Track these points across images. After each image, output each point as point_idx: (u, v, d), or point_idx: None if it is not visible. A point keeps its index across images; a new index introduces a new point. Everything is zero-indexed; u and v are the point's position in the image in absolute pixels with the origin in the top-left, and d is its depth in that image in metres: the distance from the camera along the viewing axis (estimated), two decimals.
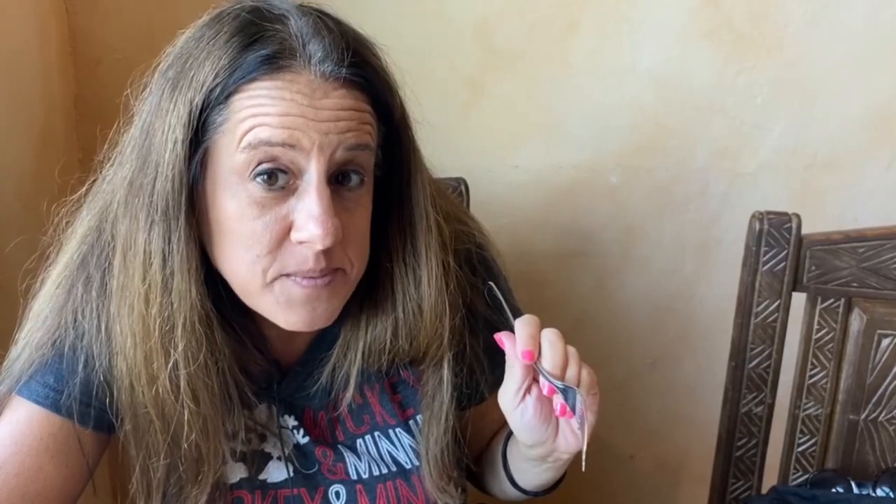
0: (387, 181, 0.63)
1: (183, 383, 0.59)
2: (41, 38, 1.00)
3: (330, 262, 0.58)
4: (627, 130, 1.15)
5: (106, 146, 0.65)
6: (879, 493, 0.88)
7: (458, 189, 0.96)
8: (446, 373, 0.67)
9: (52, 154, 1.02)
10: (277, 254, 0.58)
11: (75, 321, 0.63)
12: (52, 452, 0.62)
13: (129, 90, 0.63)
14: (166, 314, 0.58)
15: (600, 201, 1.17)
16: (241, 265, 0.59)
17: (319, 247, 0.56)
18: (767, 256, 0.90)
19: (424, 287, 0.64)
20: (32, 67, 0.98)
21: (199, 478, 0.63)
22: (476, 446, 0.76)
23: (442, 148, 0.97)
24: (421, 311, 0.64)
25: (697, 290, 1.21)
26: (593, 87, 1.13)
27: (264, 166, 0.56)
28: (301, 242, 0.57)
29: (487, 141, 1.14)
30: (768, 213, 0.91)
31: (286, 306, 0.59)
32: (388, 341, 0.65)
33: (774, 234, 0.90)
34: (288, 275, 0.58)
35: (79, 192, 0.67)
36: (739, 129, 1.15)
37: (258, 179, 0.56)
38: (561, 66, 1.12)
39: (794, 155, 1.17)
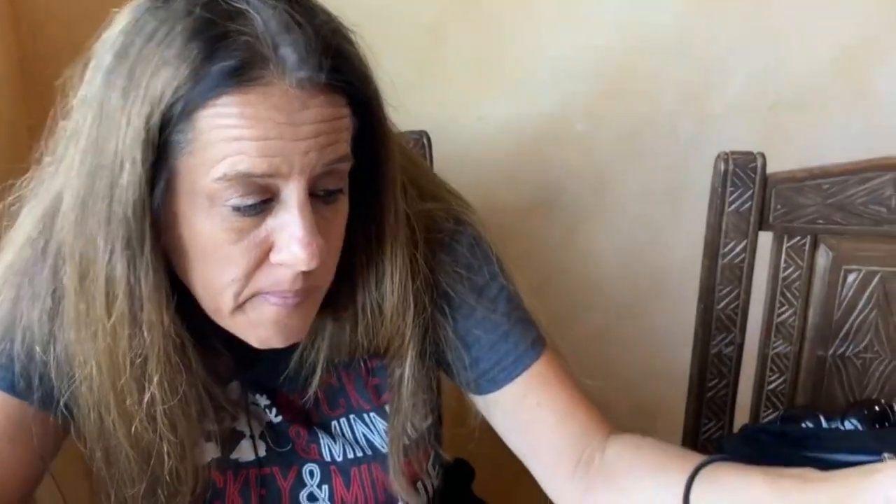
0: (355, 170, 0.58)
1: (160, 417, 0.56)
2: None
3: (306, 281, 0.55)
4: (592, 76, 1.13)
5: (42, 141, 0.60)
6: (848, 426, 0.89)
7: (419, 142, 0.94)
8: (407, 371, 0.63)
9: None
10: (254, 275, 0.54)
11: (23, 340, 0.59)
12: (10, 435, 0.59)
13: (63, 80, 0.57)
14: (137, 349, 0.54)
15: (568, 150, 1.16)
16: (213, 287, 0.55)
17: (304, 268, 0.53)
18: (733, 197, 0.90)
19: (387, 284, 0.60)
20: None
21: (178, 498, 0.61)
22: (513, 443, 0.68)
23: (403, 101, 0.94)
24: (381, 309, 0.61)
25: (668, 236, 1.21)
26: (557, 33, 1.10)
27: (240, 200, 0.51)
28: (281, 264, 0.54)
29: (450, 93, 1.12)
30: (733, 153, 0.90)
31: (258, 326, 0.57)
32: (348, 336, 0.62)
33: (740, 173, 0.89)
34: (260, 292, 0.55)
35: (18, 183, 0.62)
36: (706, 71, 1.14)
37: (233, 208, 0.52)
38: (523, 13, 1.09)
39: (761, 96, 1.16)
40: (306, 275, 0.54)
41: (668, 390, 1.27)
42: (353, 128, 0.55)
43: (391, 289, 0.60)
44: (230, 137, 0.50)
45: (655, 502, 0.59)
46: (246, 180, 0.51)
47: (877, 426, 0.88)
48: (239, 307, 0.55)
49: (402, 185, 0.61)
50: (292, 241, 0.52)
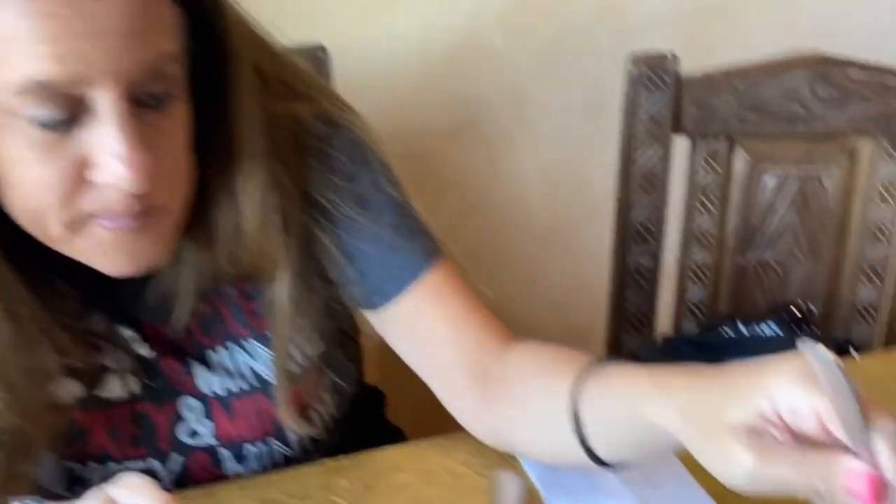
0: (197, 73, 0.51)
1: None
2: None
3: (143, 202, 0.48)
4: None
5: None
6: (766, 330, 0.88)
7: (315, 57, 0.88)
8: (285, 293, 0.58)
9: None
10: (75, 196, 0.48)
11: None
12: None
13: None
14: None
15: (484, 66, 1.10)
16: (32, 214, 0.49)
17: (130, 189, 0.46)
18: (646, 100, 0.86)
19: (244, 201, 0.54)
20: None
21: (32, 457, 0.55)
22: (410, 359, 0.63)
23: (302, 15, 0.86)
24: (240, 228, 0.55)
25: (590, 153, 1.18)
26: None
27: (42, 114, 0.45)
28: (104, 185, 0.47)
29: (354, 5, 1.04)
30: (645, 55, 0.86)
31: (100, 253, 0.50)
32: (210, 259, 0.56)
33: (652, 76, 0.86)
34: (91, 216, 0.49)
35: None
36: None
37: (35, 123, 0.45)
38: None
39: (680, 2, 1.11)
40: (141, 195, 0.47)
41: (595, 306, 1.25)
42: (181, 23, 0.48)
43: (250, 206, 0.54)
44: (14, 37, 0.43)
45: (549, 408, 0.55)
46: (44, 90, 0.44)
47: (795, 328, 0.88)
48: (71, 232, 0.49)
49: (261, 86, 0.54)
50: (111, 158, 0.45)
